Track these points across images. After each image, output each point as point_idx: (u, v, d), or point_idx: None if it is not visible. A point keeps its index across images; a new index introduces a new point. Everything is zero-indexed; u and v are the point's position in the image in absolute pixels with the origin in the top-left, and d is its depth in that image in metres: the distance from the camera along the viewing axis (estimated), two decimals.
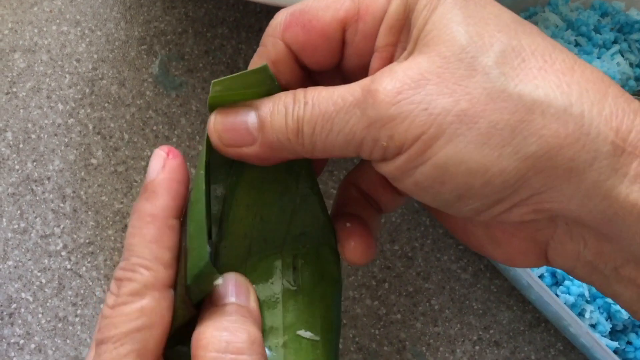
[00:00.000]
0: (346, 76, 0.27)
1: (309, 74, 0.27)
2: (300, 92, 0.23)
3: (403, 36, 0.23)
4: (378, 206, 0.28)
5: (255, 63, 0.26)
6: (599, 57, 0.42)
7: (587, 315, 0.38)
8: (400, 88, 0.21)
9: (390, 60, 0.24)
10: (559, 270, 0.39)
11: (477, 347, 0.41)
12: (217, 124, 0.24)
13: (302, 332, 0.25)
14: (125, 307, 0.23)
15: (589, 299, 0.38)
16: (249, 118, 0.24)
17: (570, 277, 0.38)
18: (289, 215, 0.27)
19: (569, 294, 0.38)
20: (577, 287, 0.38)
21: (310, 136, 0.23)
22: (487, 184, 0.20)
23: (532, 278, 0.36)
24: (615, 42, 0.44)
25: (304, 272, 0.27)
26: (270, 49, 0.25)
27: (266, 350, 0.24)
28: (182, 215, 0.25)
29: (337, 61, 0.25)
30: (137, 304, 0.23)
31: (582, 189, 0.20)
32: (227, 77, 0.24)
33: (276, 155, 0.24)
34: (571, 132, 0.19)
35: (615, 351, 0.38)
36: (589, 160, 0.19)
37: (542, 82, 0.20)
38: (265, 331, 0.25)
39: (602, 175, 0.19)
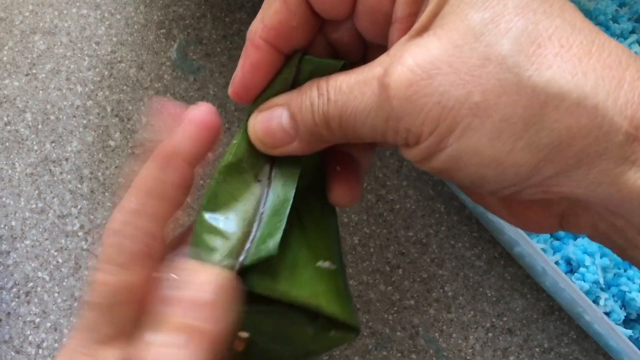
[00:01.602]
0: (360, 30, 0.27)
1: (322, 24, 0.27)
2: (323, 83, 0.23)
3: (424, 6, 0.23)
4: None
5: None
6: None
7: (601, 302, 0.38)
8: (411, 79, 0.20)
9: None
10: (573, 258, 0.39)
11: (490, 334, 0.41)
12: (256, 130, 0.25)
13: (320, 263, 0.25)
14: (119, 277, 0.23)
15: (603, 287, 0.38)
16: (283, 119, 0.24)
17: (585, 264, 0.38)
18: None
19: (584, 280, 0.38)
20: (592, 275, 0.38)
21: (338, 129, 0.23)
22: (500, 174, 0.21)
23: (548, 263, 0.36)
24: (633, 31, 0.44)
25: (305, 209, 0.27)
26: None
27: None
28: None
29: (347, 13, 0.25)
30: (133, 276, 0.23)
31: (591, 176, 0.20)
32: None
33: (319, 145, 0.25)
34: (584, 125, 0.19)
35: (629, 339, 0.38)
36: (599, 151, 0.19)
37: (557, 70, 0.19)
38: (287, 269, 0.25)
39: (611, 164, 0.20)
